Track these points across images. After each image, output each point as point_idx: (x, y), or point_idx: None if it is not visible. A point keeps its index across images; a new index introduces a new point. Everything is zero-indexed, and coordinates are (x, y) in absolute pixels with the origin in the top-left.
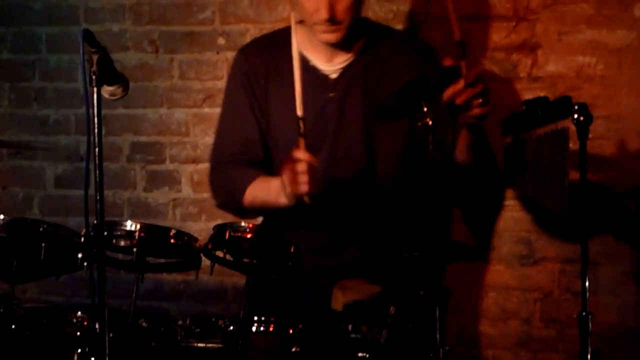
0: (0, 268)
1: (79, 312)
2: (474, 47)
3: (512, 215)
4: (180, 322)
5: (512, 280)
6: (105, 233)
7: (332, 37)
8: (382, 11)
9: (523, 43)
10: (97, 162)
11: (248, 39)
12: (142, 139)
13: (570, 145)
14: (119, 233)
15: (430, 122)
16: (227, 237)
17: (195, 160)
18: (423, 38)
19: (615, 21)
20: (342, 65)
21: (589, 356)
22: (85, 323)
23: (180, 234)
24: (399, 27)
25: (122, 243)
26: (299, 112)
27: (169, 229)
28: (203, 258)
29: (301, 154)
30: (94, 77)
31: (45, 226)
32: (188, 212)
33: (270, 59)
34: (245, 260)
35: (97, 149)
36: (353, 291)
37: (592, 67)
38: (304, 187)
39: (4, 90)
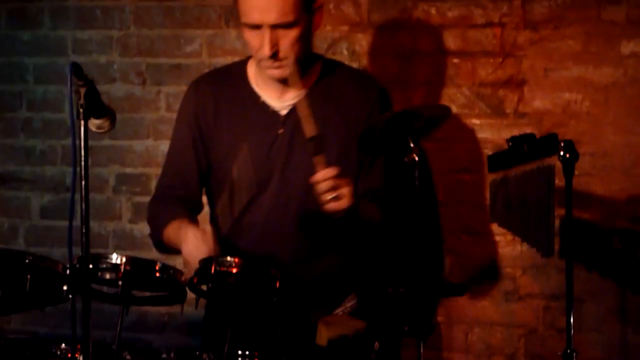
0: None
1: (63, 344)
2: (460, 83)
3: (497, 251)
4: (164, 356)
5: (497, 316)
6: (91, 266)
7: (277, 72)
8: (369, 46)
9: (510, 79)
10: (83, 193)
11: None
12: (128, 170)
13: (556, 181)
14: (104, 266)
15: (417, 158)
16: (212, 271)
17: None
18: (410, 73)
19: (602, 58)
20: (292, 102)
21: None
22: (70, 355)
23: (165, 267)
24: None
25: (108, 276)
26: (312, 132)
27: (154, 262)
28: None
29: (325, 172)
30: (81, 109)
31: (30, 258)
32: None
33: (221, 92)
34: (231, 294)
35: (83, 182)
36: (337, 326)
37: (578, 104)
38: (345, 202)
39: None
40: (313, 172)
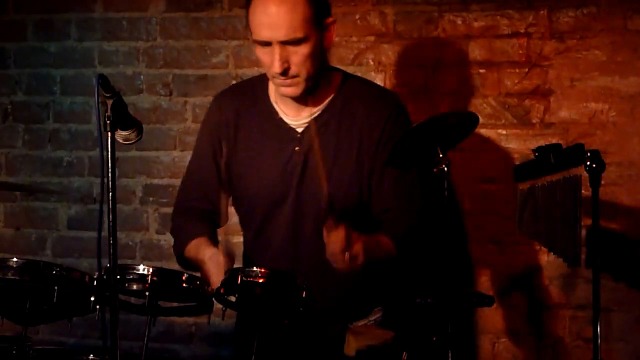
0: (13, 310)
1: (91, 355)
2: (487, 93)
3: (524, 262)
4: None
5: (524, 326)
6: (118, 277)
7: (289, 90)
8: (395, 56)
9: (536, 89)
10: (110, 205)
11: None
12: (155, 181)
13: (583, 191)
14: (131, 277)
15: (446, 168)
16: (239, 281)
17: None
18: (436, 83)
19: (628, 68)
20: (308, 120)
21: None
22: None
23: (192, 278)
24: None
25: (135, 287)
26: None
27: (181, 273)
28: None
29: (336, 233)
30: (108, 121)
31: (58, 269)
32: None
33: (242, 107)
34: (257, 305)
35: (110, 193)
36: (365, 336)
37: (604, 114)
38: (358, 261)
39: (19, 131)
40: (326, 194)
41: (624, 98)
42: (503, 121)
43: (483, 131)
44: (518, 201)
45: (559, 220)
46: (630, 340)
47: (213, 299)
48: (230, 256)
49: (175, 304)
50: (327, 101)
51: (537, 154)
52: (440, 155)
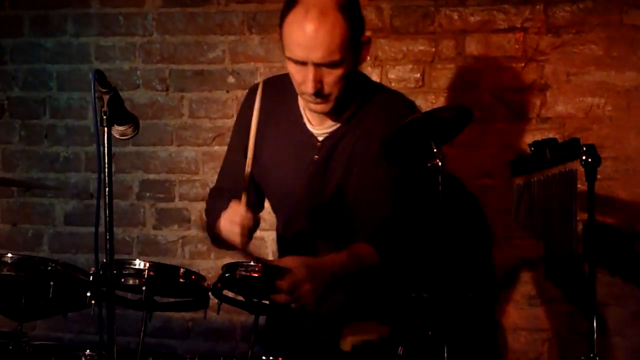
0: (9, 306)
1: (88, 350)
2: (483, 87)
3: (520, 256)
4: None
5: (520, 320)
6: (114, 272)
7: (319, 108)
8: (392, 51)
9: (532, 84)
10: (107, 200)
11: (258, 77)
12: (152, 176)
13: (579, 186)
14: (127, 272)
15: (440, 163)
16: (237, 276)
17: (204, 199)
18: (432, 78)
19: (624, 62)
20: (329, 130)
21: None
22: None
23: (188, 273)
24: (409, 66)
25: (131, 282)
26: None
27: (177, 268)
28: (211, 296)
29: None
30: (104, 116)
31: (53, 265)
32: (197, 250)
33: (272, 104)
34: (255, 299)
35: (107, 188)
36: (362, 332)
37: (600, 108)
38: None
39: (15, 127)
40: (343, 203)
41: (620, 92)
42: (499, 116)
43: (479, 126)
44: (514, 196)
45: (555, 215)
46: (626, 334)
47: (209, 293)
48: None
49: (171, 299)
50: (349, 112)
51: (533, 148)
52: (435, 150)
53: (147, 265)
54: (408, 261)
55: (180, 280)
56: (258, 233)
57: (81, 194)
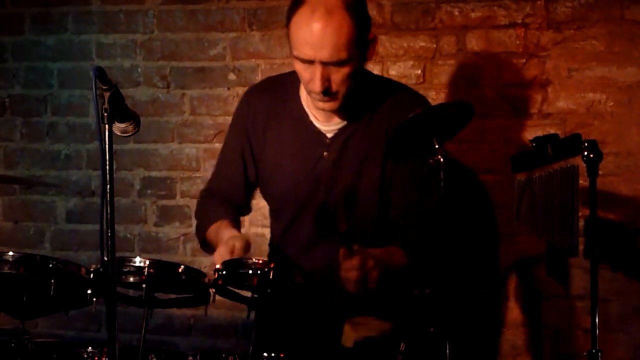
0: (10, 304)
1: (90, 347)
2: (484, 83)
3: (523, 252)
4: (190, 358)
5: (523, 316)
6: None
7: (326, 106)
8: (393, 47)
9: (533, 79)
10: (108, 198)
11: (259, 74)
12: (153, 174)
13: (580, 181)
14: (128, 269)
15: (442, 159)
16: (236, 273)
17: None
18: (433, 74)
19: (626, 58)
20: (338, 127)
21: None
22: (96, 358)
23: (188, 269)
24: (410, 62)
25: (131, 279)
26: (343, 228)
27: (177, 265)
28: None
29: (351, 263)
30: (105, 114)
31: (54, 263)
32: (199, 247)
33: (273, 105)
34: (255, 295)
35: (108, 185)
36: (364, 327)
37: (602, 104)
38: (372, 284)
39: (16, 125)
40: (354, 202)
41: (622, 88)
42: (500, 112)
43: (481, 122)
44: (515, 192)
45: (557, 211)
46: (628, 330)
47: (210, 290)
48: (247, 246)
49: (173, 296)
50: (358, 108)
51: (534, 144)
52: (437, 147)
53: (147, 262)
54: (432, 264)
55: (181, 277)
56: (259, 230)
57: (82, 192)
